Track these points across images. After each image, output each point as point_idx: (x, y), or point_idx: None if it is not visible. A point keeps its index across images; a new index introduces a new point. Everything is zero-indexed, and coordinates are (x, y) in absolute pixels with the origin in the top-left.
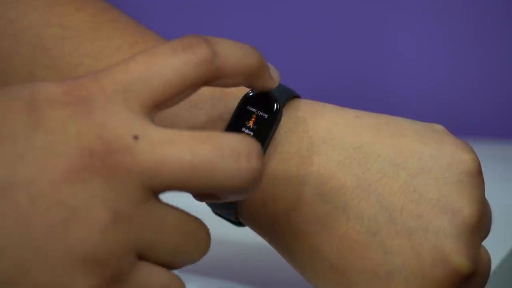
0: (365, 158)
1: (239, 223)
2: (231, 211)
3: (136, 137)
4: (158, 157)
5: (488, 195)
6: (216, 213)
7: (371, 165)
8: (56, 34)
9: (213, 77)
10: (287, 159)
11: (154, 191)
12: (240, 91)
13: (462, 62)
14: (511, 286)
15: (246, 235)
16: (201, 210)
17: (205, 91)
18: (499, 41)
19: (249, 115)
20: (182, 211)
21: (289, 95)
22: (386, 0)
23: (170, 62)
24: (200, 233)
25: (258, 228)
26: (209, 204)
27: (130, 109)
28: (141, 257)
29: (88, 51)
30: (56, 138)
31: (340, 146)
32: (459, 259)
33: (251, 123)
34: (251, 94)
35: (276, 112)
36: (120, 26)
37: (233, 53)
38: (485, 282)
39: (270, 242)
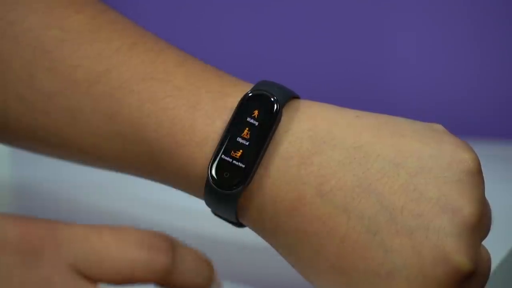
0: (365, 157)
1: (239, 224)
2: (231, 212)
3: None
4: None
5: (488, 195)
6: (216, 214)
7: (371, 164)
8: (56, 37)
9: (160, 285)
10: (287, 159)
11: None
12: (240, 92)
13: (462, 62)
14: (511, 286)
15: (246, 235)
16: (201, 210)
17: (205, 91)
18: (499, 41)
19: (249, 115)
20: None
21: (288, 96)
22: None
23: (130, 255)
24: None
25: (258, 228)
26: (209, 205)
27: (77, 274)
28: None
29: (87, 53)
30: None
31: (340, 146)
32: (459, 258)
33: (251, 123)
34: (251, 94)
35: (276, 113)
36: (119, 28)
37: (190, 272)
38: (485, 281)
39: (270, 242)
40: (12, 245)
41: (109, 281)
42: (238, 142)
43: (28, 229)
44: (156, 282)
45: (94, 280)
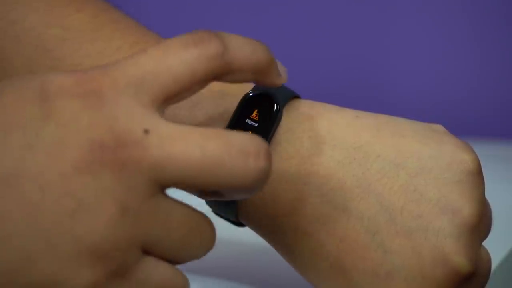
0: (365, 158)
1: (239, 223)
2: (231, 211)
3: (146, 131)
4: (167, 153)
5: (488, 195)
6: (216, 213)
7: (371, 165)
8: (57, 35)
9: (223, 72)
10: (287, 159)
11: (162, 186)
12: (240, 91)
13: (462, 62)
14: (511, 286)
15: (246, 235)
16: (201, 209)
17: (206, 91)
18: (499, 41)
19: (249, 115)
20: (188, 206)
21: (289, 95)
22: (386, 0)
23: (181, 57)
24: (205, 229)
25: (258, 228)
26: (209, 204)
27: (141, 103)
28: (146, 251)
29: (88, 51)
30: (67, 129)
31: (340, 146)
32: (459, 259)
33: (251, 123)
34: (251, 94)
35: (276, 112)
36: (120, 27)
37: (243, 49)
38: (485, 282)
39: (270, 242)
40: (70, 90)
41: (176, 93)
42: None
43: (82, 75)
44: (219, 69)
45: (163, 99)
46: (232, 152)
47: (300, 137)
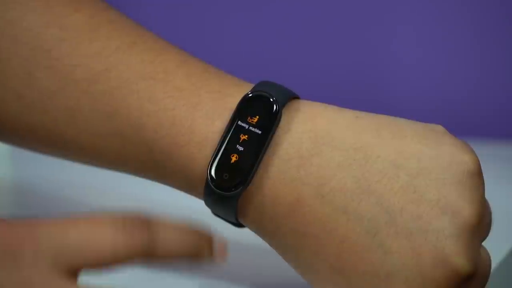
0: (365, 159)
1: (238, 224)
2: (231, 212)
3: None
4: None
5: (488, 195)
6: (216, 215)
7: (371, 166)
8: (55, 35)
9: (145, 259)
10: (287, 160)
11: None
12: (240, 92)
13: (462, 63)
14: (511, 286)
15: (246, 235)
16: (201, 210)
17: (205, 92)
18: (499, 41)
19: (248, 116)
20: None
21: (288, 96)
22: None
23: (108, 238)
24: None
25: (258, 229)
26: (209, 206)
27: (58, 270)
28: None
29: (86, 52)
30: None
31: (340, 147)
32: (459, 260)
33: (250, 124)
34: (251, 95)
35: (276, 113)
36: (118, 27)
37: (172, 240)
38: (485, 283)
39: (269, 243)
40: None
41: (93, 266)
42: (238, 143)
43: (6, 230)
44: (140, 257)
45: (78, 269)
46: None
47: (300, 138)
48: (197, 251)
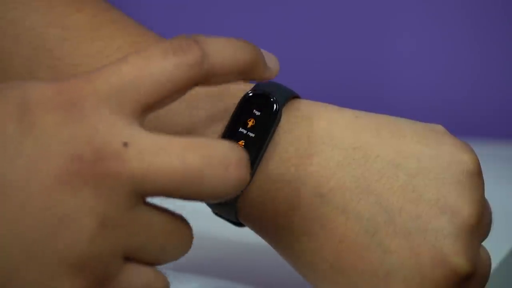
0: (365, 158)
1: (239, 224)
2: (231, 211)
3: (126, 144)
4: (147, 165)
5: (488, 195)
6: (216, 214)
7: (371, 165)
8: (57, 35)
9: (204, 79)
10: (286, 159)
11: (142, 196)
12: (240, 91)
13: (462, 62)
14: (511, 286)
15: (246, 235)
16: (201, 210)
17: (205, 91)
18: (499, 41)
19: (248, 115)
20: (167, 211)
21: (288, 95)
22: (386, 1)
23: (161, 65)
24: (183, 231)
25: (258, 228)
26: (209, 205)
27: (122, 114)
28: (128, 258)
29: (88, 51)
30: (47, 143)
31: (340, 146)
32: (458, 259)
33: (250, 123)
34: (250, 94)
35: (276, 112)
36: (120, 27)
37: (223, 53)
38: (485, 283)
39: (269, 242)
40: (51, 102)
41: (158, 101)
42: (238, 142)
43: (63, 85)
44: (201, 76)
45: (143, 109)
46: (212, 163)
47: (300, 137)
48: (252, 63)
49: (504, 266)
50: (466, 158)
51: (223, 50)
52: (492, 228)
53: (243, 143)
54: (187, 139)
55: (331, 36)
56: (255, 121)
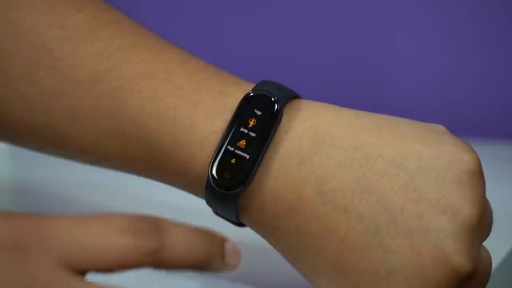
0: (366, 158)
1: (239, 224)
2: (232, 211)
3: None
4: None
5: (488, 195)
6: (217, 214)
7: (372, 165)
8: (57, 35)
9: (154, 266)
10: (287, 159)
11: None
12: (241, 92)
13: (462, 62)
14: (511, 286)
15: (247, 235)
16: (202, 210)
17: (205, 91)
18: (499, 41)
19: (249, 115)
20: None
21: (289, 95)
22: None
23: (116, 242)
24: None
25: (259, 228)
26: (210, 205)
27: (65, 267)
28: None
29: (88, 52)
30: None
31: (341, 146)
32: (459, 259)
33: (251, 123)
34: (252, 94)
35: (277, 112)
36: (120, 27)
37: (180, 248)
38: (486, 283)
39: (270, 242)
40: (2, 242)
41: (100, 270)
42: (239, 142)
43: (15, 225)
44: (149, 265)
45: (84, 271)
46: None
47: (301, 137)
48: (209, 256)
49: (505, 266)
50: (467, 157)
51: (182, 246)
52: (492, 228)
53: (244, 143)
54: None
55: (331, 36)
56: (256, 121)
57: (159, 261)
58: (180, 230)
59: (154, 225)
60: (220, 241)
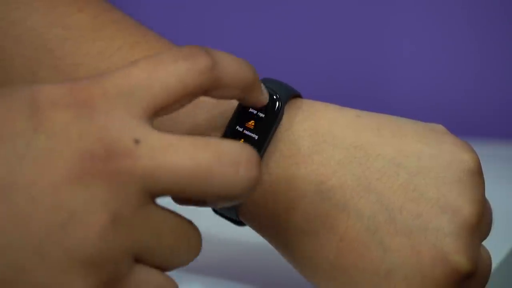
0: (365, 157)
1: (240, 222)
2: (232, 210)
3: (137, 141)
4: (158, 163)
5: (488, 195)
6: (217, 212)
7: (371, 164)
8: (59, 35)
9: (212, 87)
10: (288, 158)
11: (152, 195)
12: None
13: (462, 62)
14: (511, 286)
15: (247, 234)
16: (202, 209)
17: None
18: (499, 41)
19: (250, 114)
20: (177, 214)
21: (290, 94)
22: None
23: (172, 69)
24: (193, 235)
25: (259, 227)
26: None
27: (131, 114)
28: (138, 259)
29: (89, 51)
30: (58, 140)
31: (341, 145)
32: (458, 258)
33: (252, 122)
34: None
35: (277, 111)
36: (121, 27)
37: (231, 66)
38: (486, 282)
39: (270, 241)
40: (61, 101)
41: (166, 105)
42: (240, 139)
43: (74, 85)
44: (209, 82)
45: (153, 111)
46: (222, 161)
47: (301, 136)
48: (253, 83)
49: (504, 266)
50: (466, 157)
51: (231, 64)
52: (492, 228)
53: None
54: (197, 138)
55: (331, 36)
56: (257, 119)
57: (217, 78)
58: (225, 53)
59: (202, 48)
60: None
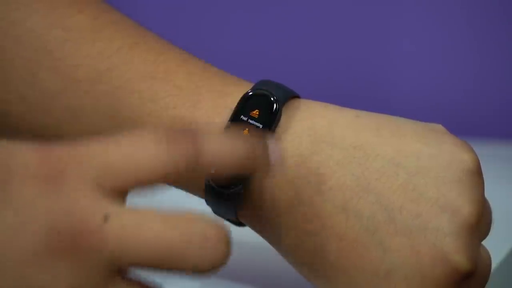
0: (365, 157)
1: (239, 223)
2: (231, 211)
3: (106, 218)
4: (127, 240)
5: (488, 195)
6: (216, 213)
7: (371, 164)
8: (58, 36)
9: (195, 171)
10: (287, 158)
11: (119, 270)
12: (240, 91)
13: (462, 62)
14: (511, 286)
15: (246, 234)
16: (201, 210)
17: (205, 91)
18: (499, 41)
19: (248, 115)
20: (143, 284)
21: (288, 95)
22: (386, 0)
23: (151, 153)
24: None
25: (258, 227)
26: (209, 204)
27: (103, 190)
28: None
29: (89, 52)
30: (25, 215)
31: (340, 145)
32: (458, 258)
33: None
34: (250, 93)
35: (276, 112)
36: (121, 28)
37: (223, 148)
38: (485, 282)
39: (269, 241)
40: (33, 172)
41: (139, 186)
42: None
43: (47, 153)
44: (189, 169)
45: (125, 189)
46: (192, 240)
47: (300, 136)
48: (251, 159)
49: (504, 266)
50: (466, 157)
51: (221, 147)
52: (492, 228)
53: None
54: (168, 215)
55: (331, 36)
56: (256, 120)
57: (200, 163)
58: (215, 135)
59: (188, 133)
60: (259, 138)
